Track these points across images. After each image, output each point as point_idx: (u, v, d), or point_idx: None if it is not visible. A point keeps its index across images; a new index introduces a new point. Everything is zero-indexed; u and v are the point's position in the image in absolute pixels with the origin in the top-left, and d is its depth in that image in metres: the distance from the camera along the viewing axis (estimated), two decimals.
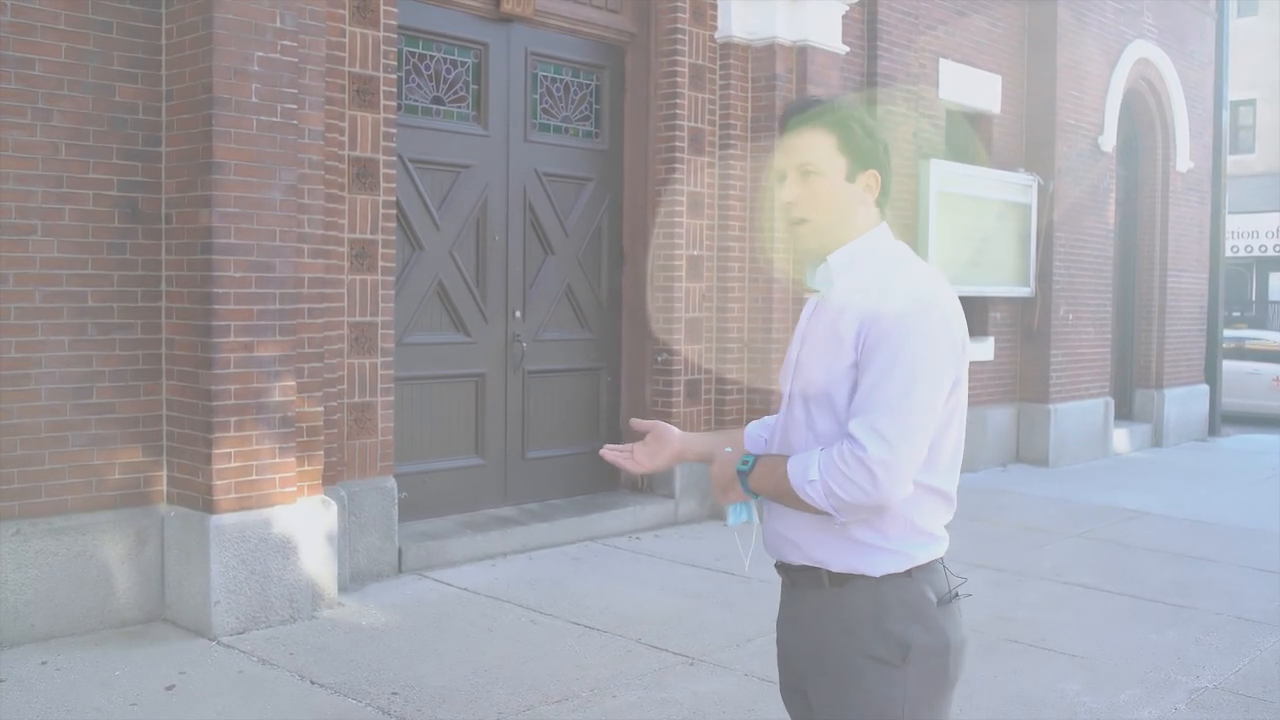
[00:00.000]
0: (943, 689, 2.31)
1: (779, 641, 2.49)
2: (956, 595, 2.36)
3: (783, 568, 2.43)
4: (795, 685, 2.43)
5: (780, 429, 2.45)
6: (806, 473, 2.22)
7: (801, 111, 2.40)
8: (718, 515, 8.38)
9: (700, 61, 8.32)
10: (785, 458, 2.31)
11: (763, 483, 2.34)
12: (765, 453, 2.42)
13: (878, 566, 2.28)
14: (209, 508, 5.40)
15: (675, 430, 2.63)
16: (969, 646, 2.39)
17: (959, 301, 2.34)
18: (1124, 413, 13.64)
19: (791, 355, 2.46)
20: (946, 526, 2.38)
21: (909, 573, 2.29)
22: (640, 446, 2.64)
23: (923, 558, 2.31)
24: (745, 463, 2.38)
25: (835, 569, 2.30)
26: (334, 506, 5.93)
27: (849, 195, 2.36)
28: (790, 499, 2.27)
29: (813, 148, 2.35)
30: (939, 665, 2.29)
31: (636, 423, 2.70)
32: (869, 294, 2.27)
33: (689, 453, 2.63)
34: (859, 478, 2.16)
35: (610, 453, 2.66)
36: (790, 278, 8.47)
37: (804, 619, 2.38)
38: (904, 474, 2.18)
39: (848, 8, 8.86)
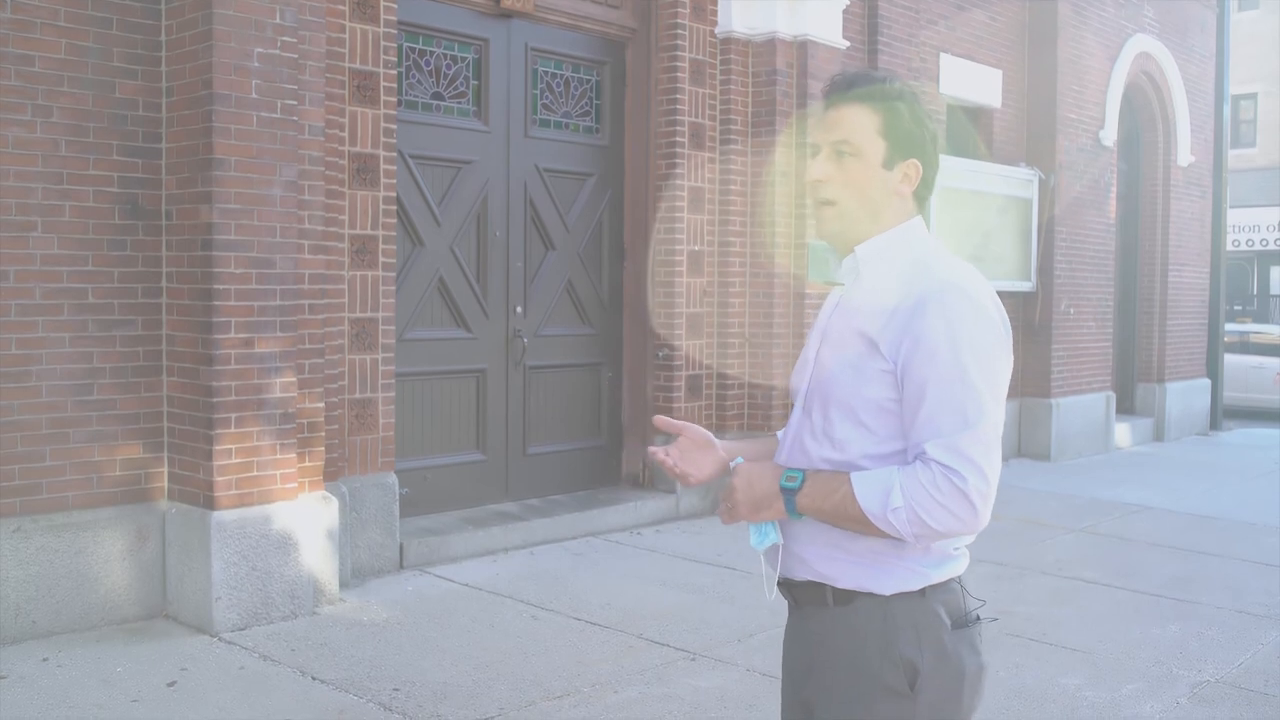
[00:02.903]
0: (956, 719, 2.15)
1: (784, 663, 2.33)
2: (977, 619, 2.20)
3: (786, 585, 2.27)
4: (800, 711, 2.27)
5: (792, 431, 2.26)
6: (888, 500, 2.03)
7: (850, 86, 2.21)
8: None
9: (701, 57, 8.31)
10: (845, 476, 2.09)
11: (817, 504, 2.11)
12: (812, 469, 2.16)
13: (887, 584, 2.12)
14: (210, 504, 5.40)
15: (713, 438, 2.39)
16: (988, 675, 2.21)
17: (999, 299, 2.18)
18: (1126, 407, 13.63)
19: (809, 353, 2.27)
20: (967, 545, 2.23)
21: (922, 592, 2.12)
22: (680, 454, 2.38)
23: (937, 576, 2.14)
24: (793, 479, 2.14)
25: (842, 585, 2.15)
26: (335, 502, 5.93)
27: (884, 183, 2.18)
28: (855, 523, 2.08)
29: (854, 126, 2.17)
30: (951, 694, 2.12)
31: (663, 421, 2.43)
32: (905, 293, 2.09)
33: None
34: (959, 509, 2.01)
35: (661, 455, 2.39)
36: (791, 272, 8.47)
37: (809, 641, 2.22)
38: (993, 497, 2.04)
39: (848, 2, 8.85)
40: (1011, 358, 2.16)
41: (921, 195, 2.24)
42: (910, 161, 2.19)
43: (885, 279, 2.16)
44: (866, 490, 2.05)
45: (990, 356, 2.07)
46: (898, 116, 2.18)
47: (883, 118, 2.17)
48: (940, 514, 2.01)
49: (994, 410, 2.05)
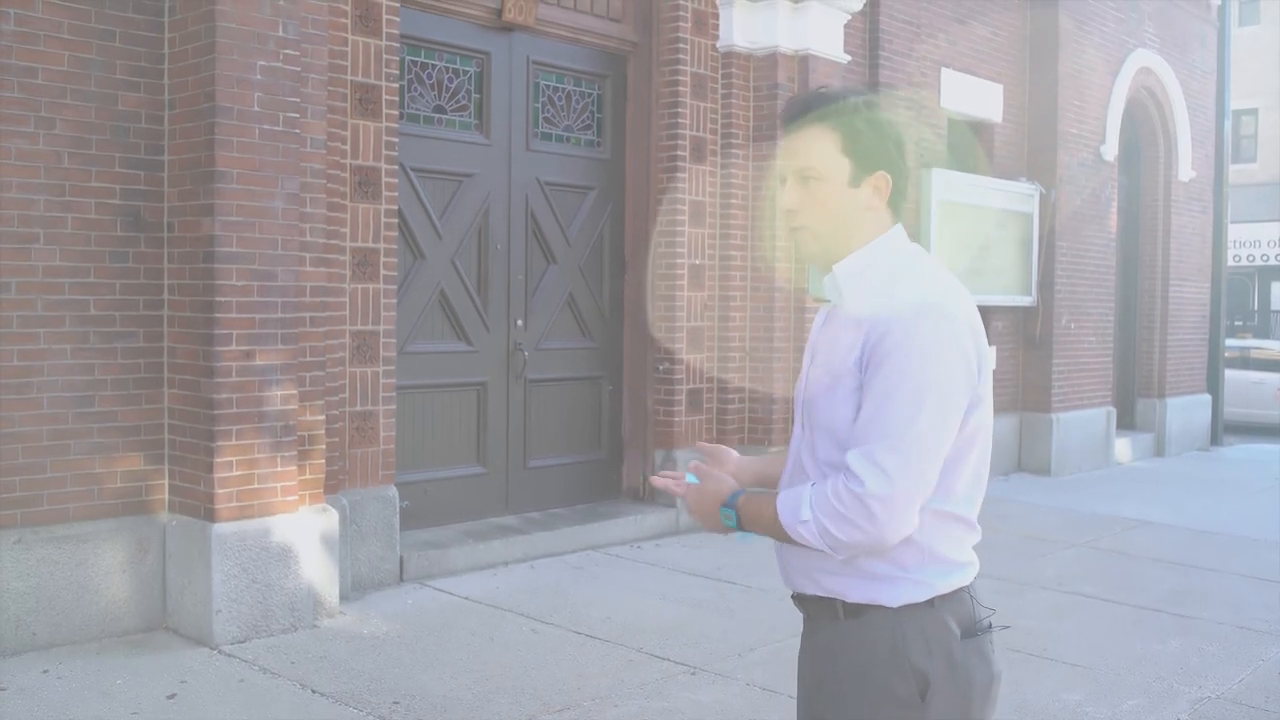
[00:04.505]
0: None
1: (798, 673, 2.34)
2: (989, 628, 2.20)
3: (798, 599, 2.29)
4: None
5: (794, 447, 2.30)
6: (798, 512, 2.08)
7: (803, 108, 2.19)
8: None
9: (702, 70, 8.33)
10: (773, 497, 2.16)
11: (755, 527, 2.20)
12: (748, 492, 2.25)
13: (896, 596, 2.12)
14: (210, 516, 5.40)
15: (733, 454, 2.45)
16: (1000, 685, 2.21)
17: (976, 311, 2.17)
18: (1126, 422, 13.63)
19: (804, 371, 2.30)
20: (975, 548, 2.23)
21: (930, 602, 2.13)
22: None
23: (944, 586, 2.14)
24: (729, 516, 2.23)
25: (851, 599, 2.16)
26: (335, 515, 5.92)
27: (853, 201, 2.17)
28: (787, 539, 2.14)
29: (813, 150, 2.17)
30: (961, 705, 2.13)
31: (702, 446, 2.49)
32: (874, 311, 2.09)
33: (743, 476, 2.43)
34: (856, 516, 2.02)
35: (661, 480, 2.43)
36: (792, 286, 8.47)
37: (821, 653, 2.23)
38: (905, 509, 2.03)
39: (849, 17, 8.88)
40: (986, 385, 2.16)
41: (896, 204, 2.22)
42: (878, 174, 2.18)
43: (862, 296, 2.16)
44: (785, 507, 2.12)
45: (945, 377, 2.06)
46: (857, 132, 2.16)
47: (842, 136, 2.16)
48: (842, 524, 2.04)
49: (928, 429, 2.04)
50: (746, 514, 2.20)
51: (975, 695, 2.15)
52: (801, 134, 2.19)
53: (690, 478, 2.31)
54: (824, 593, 2.20)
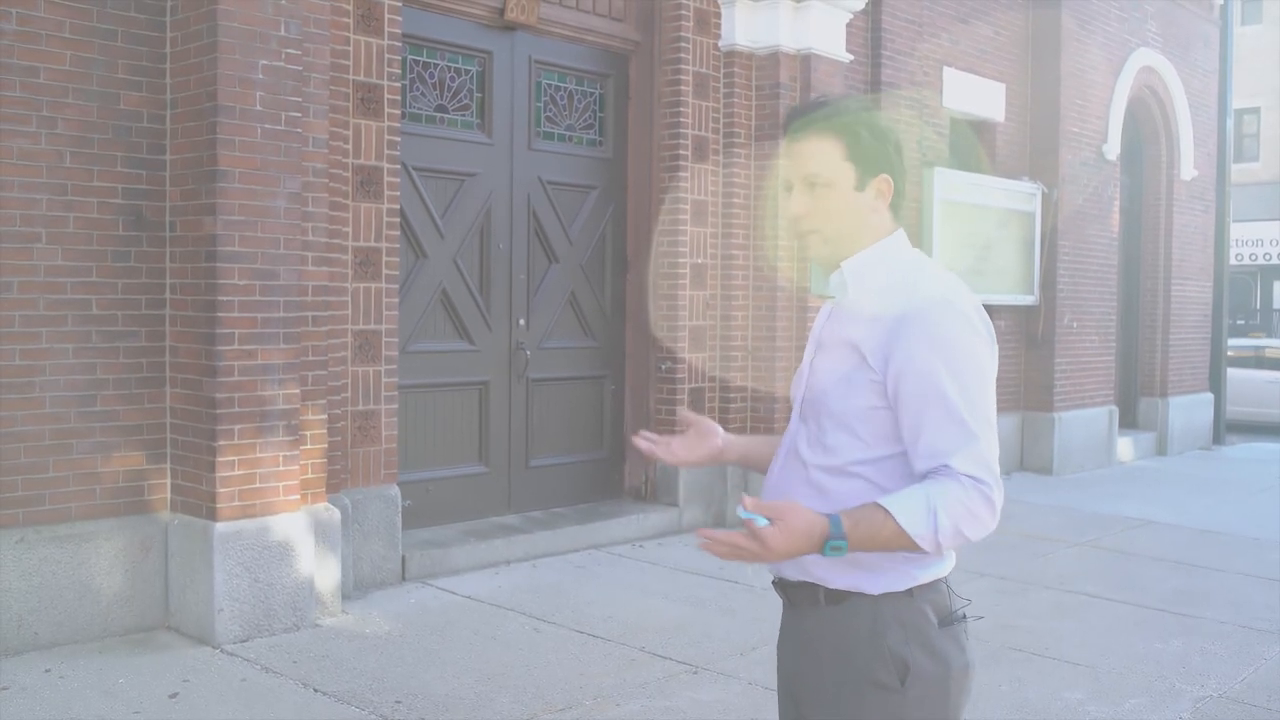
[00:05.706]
0: (944, 716, 2.21)
1: (778, 661, 2.40)
2: (963, 617, 2.27)
3: (779, 585, 2.34)
4: (792, 708, 2.33)
5: (788, 439, 2.33)
6: (936, 523, 2.06)
7: (805, 115, 2.26)
8: (721, 523, 8.36)
9: (704, 70, 8.33)
10: (882, 513, 2.07)
11: (869, 547, 2.10)
12: (845, 513, 2.08)
13: (876, 584, 2.19)
14: (212, 515, 5.40)
15: (719, 428, 2.58)
16: (975, 671, 2.27)
17: (984, 310, 2.27)
18: (1128, 421, 13.61)
19: (805, 363, 2.35)
20: (975, 547, 2.28)
21: (909, 592, 2.19)
22: (679, 439, 2.58)
23: (924, 577, 2.20)
24: (838, 548, 2.05)
25: (833, 586, 2.21)
26: (337, 514, 5.93)
27: (860, 204, 2.24)
28: (913, 550, 2.09)
29: (819, 157, 2.23)
30: (939, 691, 2.19)
31: (685, 414, 2.61)
32: (890, 306, 2.17)
33: (730, 453, 2.57)
34: (986, 516, 2.10)
35: (644, 442, 2.56)
36: (794, 285, 8.47)
37: (801, 639, 2.29)
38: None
39: (851, 16, 8.87)
40: (996, 364, 2.26)
41: (896, 204, 2.30)
42: (880, 178, 2.26)
43: (872, 292, 2.24)
44: (911, 520, 2.07)
45: (980, 368, 2.18)
46: (859, 138, 2.23)
47: (845, 143, 2.23)
48: (974, 524, 2.11)
49: (992, 417, 2.17)
50: (856, 540, 2.07)
51: (953, 682, 2.21)
52: (805, 142, 2.26)
53: (759, 520, 2.02)
54: (808, 578, 2.25)
